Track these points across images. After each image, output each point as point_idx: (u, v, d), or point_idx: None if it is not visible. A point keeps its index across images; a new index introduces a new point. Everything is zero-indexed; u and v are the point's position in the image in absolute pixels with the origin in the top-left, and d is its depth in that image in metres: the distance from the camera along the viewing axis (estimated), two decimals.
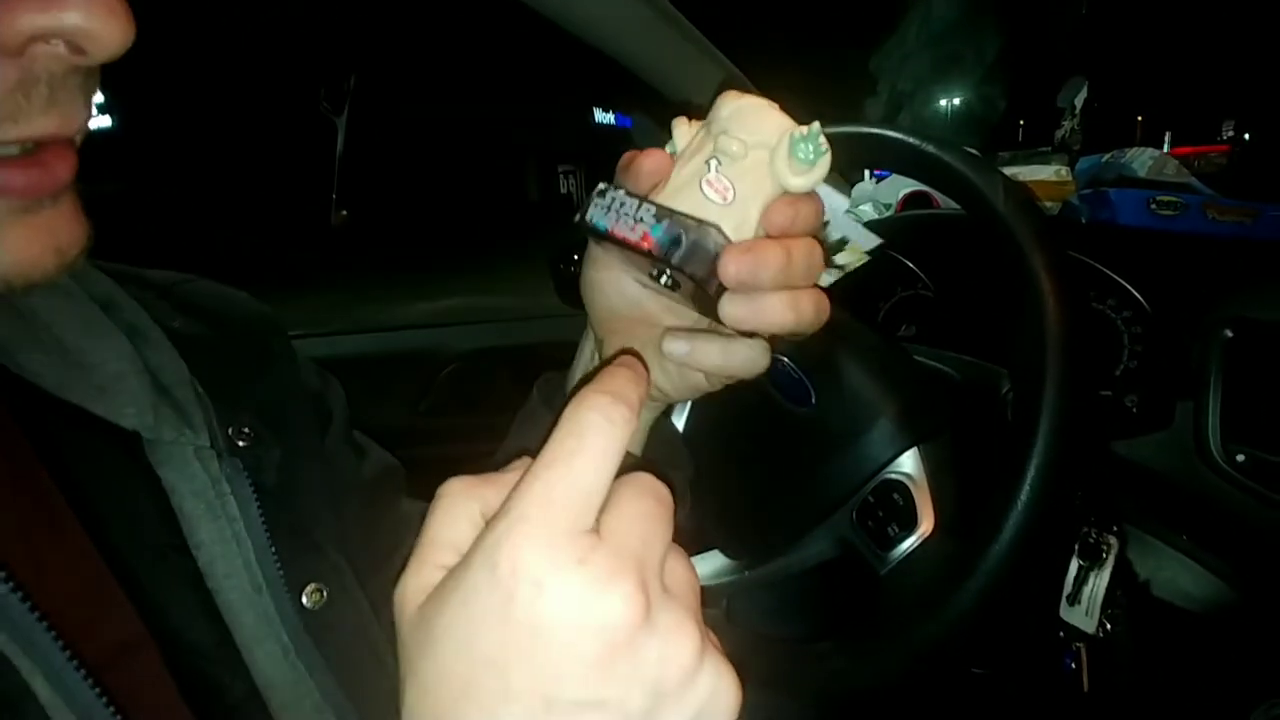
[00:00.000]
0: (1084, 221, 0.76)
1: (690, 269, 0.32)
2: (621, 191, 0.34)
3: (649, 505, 0.24)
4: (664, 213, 0.32)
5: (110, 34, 0.25)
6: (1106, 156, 0.83)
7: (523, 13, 0.83)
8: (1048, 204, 0.82)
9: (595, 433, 0.23)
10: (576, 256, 1.40)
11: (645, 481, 0.24)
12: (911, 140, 0.58)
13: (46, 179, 0.27)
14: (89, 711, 0.29)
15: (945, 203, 0.99)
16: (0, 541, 0.29)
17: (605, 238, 0.33)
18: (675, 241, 0.32)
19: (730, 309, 0.34)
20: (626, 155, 0.36)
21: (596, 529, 0.23)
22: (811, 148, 0.33)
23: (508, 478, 0.25)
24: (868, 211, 1.14)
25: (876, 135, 0.61)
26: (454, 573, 0.22)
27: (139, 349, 0.37)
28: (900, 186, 1.13)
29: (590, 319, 0.43)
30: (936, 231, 0.89)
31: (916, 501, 0.56)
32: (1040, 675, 0.77)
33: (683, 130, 0.36)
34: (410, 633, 0.22)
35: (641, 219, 0.33)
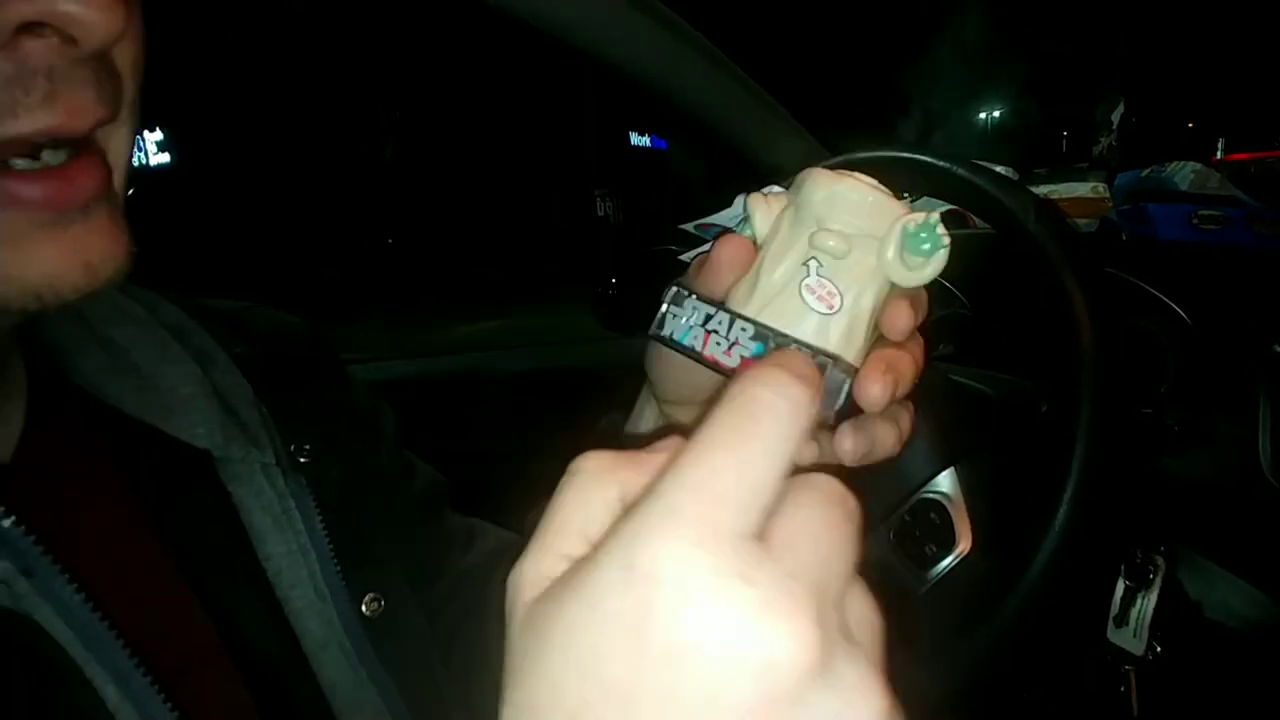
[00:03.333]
0: (1123, 237, 0.76)
1: None
2: (697, 300, 0.29)
3: (833, 515, 0.19)
4: (764, 332, 0.27)
5: (98, 19, 0.24)
6: (1146, 171, 0.83)
7: (557, 43, 0.85)
8: (1084, 221, 0.81)
9: (770, 414, 0.18)
10: (614, 280, 1.43)
11: (827, 485, 0.19)
12: (942, 164, 0.58)
13: (68, 191, 0.26)
14: (160, 717, 0.30)
15: (982, 221, 0.99)
16: (83, 555, 0.30)
17: (690, 355, 0.29)
18: None
19: (849, 443, 0.29)
20: (700, 260, 0.31)
21: (763, 537, 0.18)
22: (928, 238, 0.28)
23: (655, 458, 0.21)
24: None
25: (907, 159, 0.62)
26: (581, 566, 0.18)
27: (208, 373, 0.39)
28: (934, 206, 1.13)
29: (656, 391, 0.39)
30: (973, 251, 0.89)
31: (954, 520, 0.56)
32: (1089, 698, 0.75)
33: (762, 213, 0.31)
34: (520, 631, 0.19)
35: (737, 340, 0.28)
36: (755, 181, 1.10)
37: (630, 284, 1.36)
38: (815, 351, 0.27)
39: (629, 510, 0.18)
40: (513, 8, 0.79)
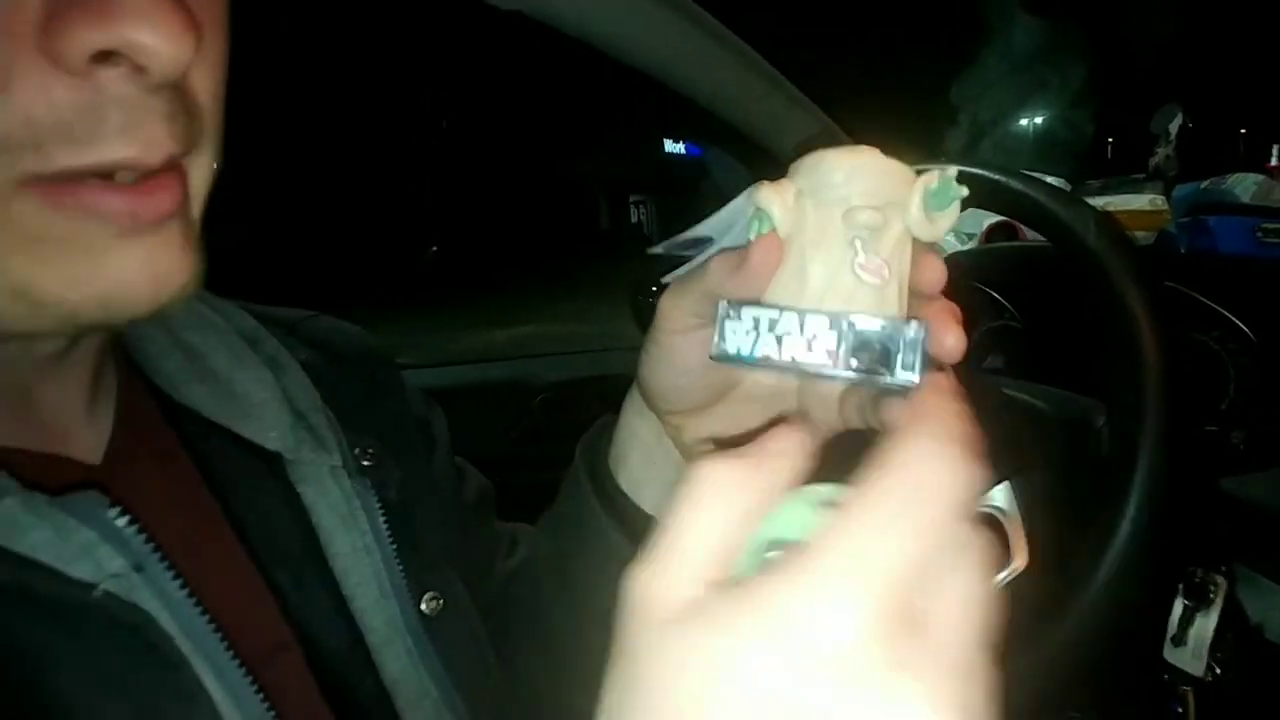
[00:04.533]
0: (1182, 251, 0.75)
1: (901, 376, 0.26)
2: (755, 307, 0.28)
3: (984, 591, 0.18)
4: (838, 318, 0.27)
5: (169, 48, 0.24)
6: (1205, 183, 0.81)
7: (592, 50, 0.86)
8: (1141, 234, 0.80)
9: (938, 495, 0.18)
10: (655, 288, 1.44)
11: (979, 554, 0.18)
12: (998, 177, 0.58)
13: (146, 206, 0.27)
14: (249, 707, 0.31)
15: (1032, 233, 0.98)
16: (170, 550, 0.31)
17: (765, 365, 0.28)
18: (866, 347, 0.27)
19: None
20: (723, 260, 0.31)
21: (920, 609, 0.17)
22: (948, 192, 0.30)
23: (778, 463, 0.20)
24: (950, 241, 1.14)
25: (961, 173, 0.62)
26: (729, 609, 0.17)
27: (279, 379, 0.41)
28: (983, 217, 1.12)
29: (658, 404, 0.39)
30: (1025, 263, 0.88)
31: (1010, 536, 0.56)
32: (1145, 719, 0.74)
33: (781, 206, 0.30)
34: (648, 654, 0.18)
35: (815, 334, 0.27)
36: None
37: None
38: (883, 319, 0.27)
39: (790, 551, 0.18)
40: (537, 11, 0.80)
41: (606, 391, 1.23)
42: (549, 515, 0.50)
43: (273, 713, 0.32)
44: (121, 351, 0.38)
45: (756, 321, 0.28)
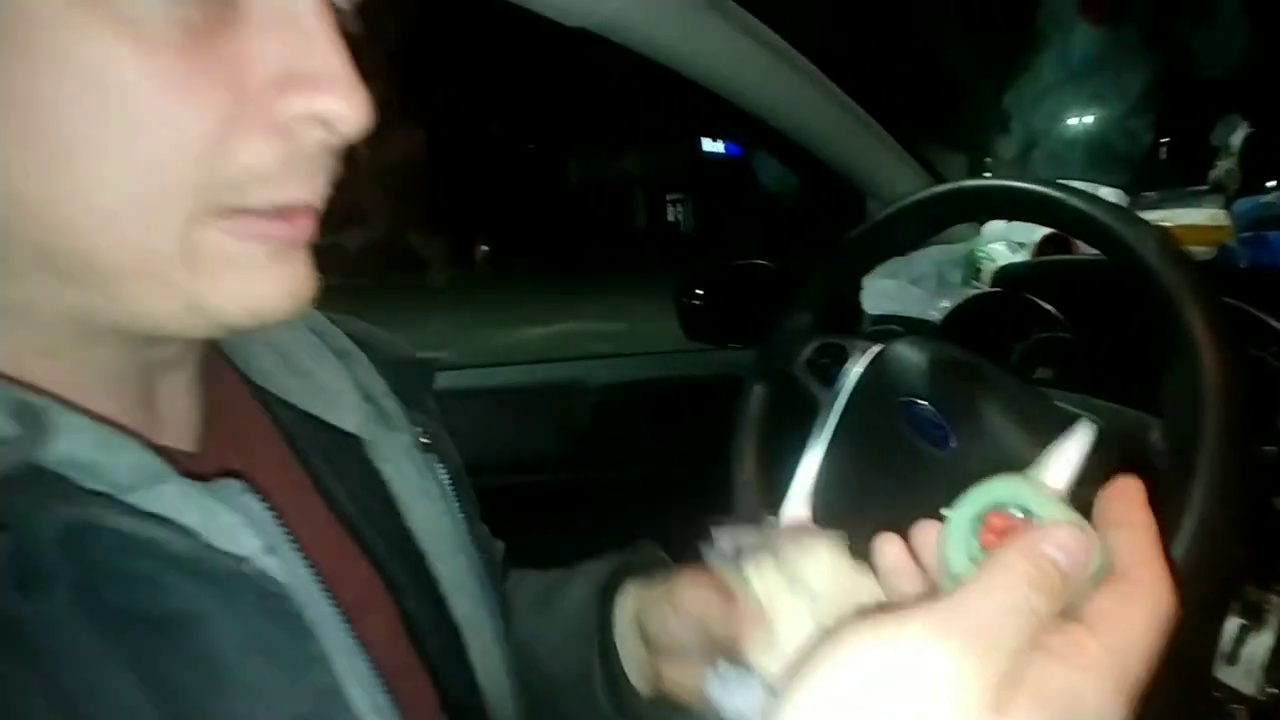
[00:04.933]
0: (1242, 266, 0.74)
1: None
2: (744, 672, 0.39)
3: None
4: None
5: (358, 118, 0.30)
6: (1269, 197, 0.80)
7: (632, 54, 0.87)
8: (1201, 249, 0.79)
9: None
10: (700, 291, 1.45)
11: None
12: (1055, 194, 0.59)
13: (297, 233, 0.32)
14: (359, 667, 0.35)
15: (1086, 246, 0.98)
16: (276, 508, 0.35)
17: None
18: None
19: None
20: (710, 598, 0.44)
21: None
22: None
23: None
24: (1000, 250, 1.13)
25: (1018, 189, 0.62)
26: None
27: (348, 368, 0.47)
28: (1035, 227, 1.11)
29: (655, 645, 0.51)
30: (1078, 277, 0.88)
31: None
32: None
33: (759, 584, 0.42)
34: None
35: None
36: (851, 202, 1.10)
37: (716, 295, 1.38)
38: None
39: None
40: (618, 35, 0.83)
41: (657, 394, 1.26)
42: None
43: (372, 663, 0.36)
44: (214, 348, 0.43)
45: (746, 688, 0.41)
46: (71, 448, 0.29)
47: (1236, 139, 0.85)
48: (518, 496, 0.59)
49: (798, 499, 0.79)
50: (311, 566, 0.36)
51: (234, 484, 0.33)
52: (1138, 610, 0.26)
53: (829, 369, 0.79)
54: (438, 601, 0.46)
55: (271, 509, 0.34)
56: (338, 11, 0.31)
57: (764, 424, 0.84)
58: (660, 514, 1.28)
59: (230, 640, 0.30)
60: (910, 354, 0.71)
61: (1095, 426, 0.30)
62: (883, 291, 1.10)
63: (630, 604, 0.53)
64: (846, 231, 1.12)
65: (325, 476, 0.44)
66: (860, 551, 0.75)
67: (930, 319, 1.05)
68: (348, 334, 0.50)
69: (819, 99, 0.95)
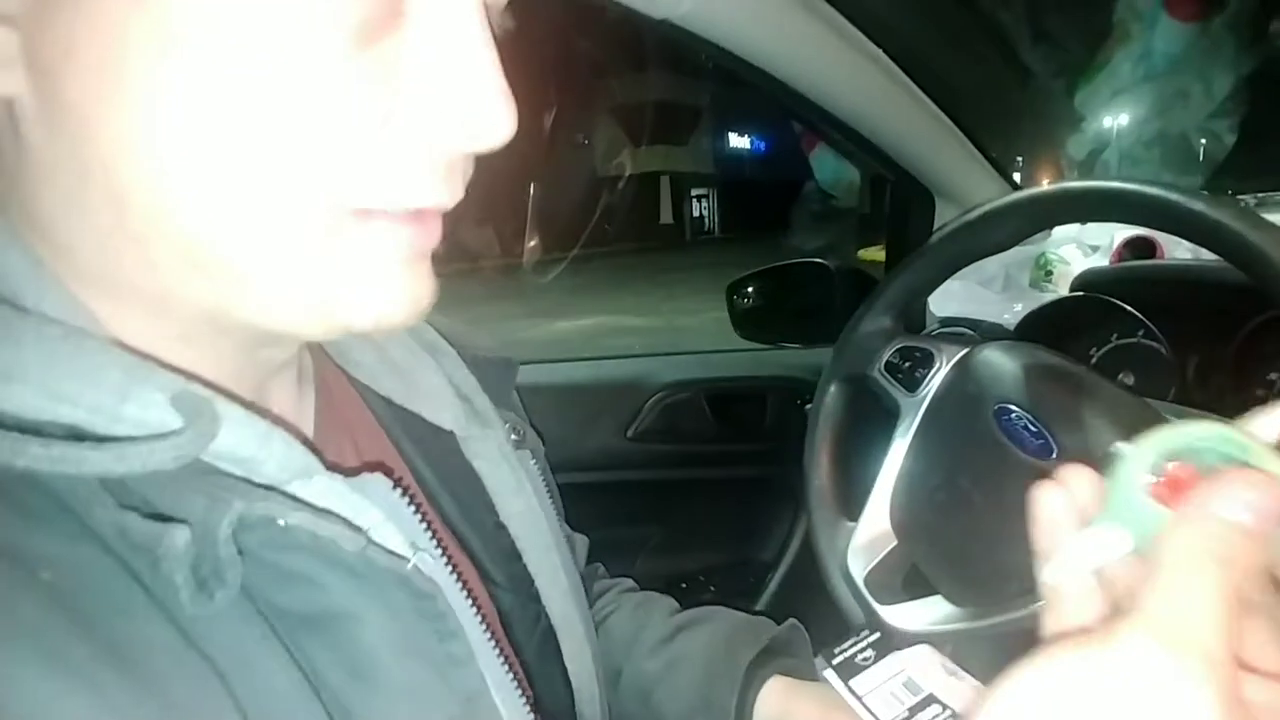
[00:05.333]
0: None
1: None
2: None
3: None
4: None
5: (505, 130, 0.29)
6: None
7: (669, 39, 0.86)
8: None
9: None
10: (751, 290, 1.44)
11: None
12: (1175, 197, 0.57)
13: (428, 237, 0.31)
14: (491, 657, 0.35)
15: (1170, 251, 0.95)
16: (417, 503, 0.35)
17: None
18: None
19: None
20: None
21: None
22: None
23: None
24: (1072, 253, 1.11)
25: (1131, 192, 0.60)
26: None
27: (440, 364, 0.46)
28: (1112, 229, 1.08)
29: None
30: (1168, 282, 0.86)
31: None
32: None
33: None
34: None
35: None
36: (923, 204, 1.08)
37: (768, 294, 1.37)
38: None
39: None
40: (699, 26, 0.81)
41: (719, 394, 1.25)
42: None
43: (507, 667, 0.36)
44: (324, 348, 0.43)
45: None
46: (234, 441, 0.28)
47: None
48: (576, 494, 0.58)
49: (877, 506, 0.77)
50: (450, 564, 0.35)
51: (379, 479, 0.33)
52: None
53: (912, 372, 0.77)
54: (533, 599, 0.46)
55: (414, 505, 0.34)
56: (488, 8, 0.30)
57: (840, 428, 0.83)
58: (721, 515, 1.28)
59: (385, 641, 0.29)
60: (1003, 359, 0.69)
61: None
62: (951, 293, 1.08)
63: (774, 702, 0.51)
64: (917, 232, 1.11)
65: (425, 473, 0.43)
66: (943, 561, 0.74)
67: (1003, 322, 1.02)
68: (436, 329, 0.49)
69: (893, 90, 0.93)
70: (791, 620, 0.55)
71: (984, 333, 1.01)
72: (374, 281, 0.29)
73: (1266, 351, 0.74)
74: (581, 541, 0.63)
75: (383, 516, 0.31)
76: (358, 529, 0.29)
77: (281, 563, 0.28)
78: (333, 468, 0.31)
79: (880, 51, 0.88)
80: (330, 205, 0.27)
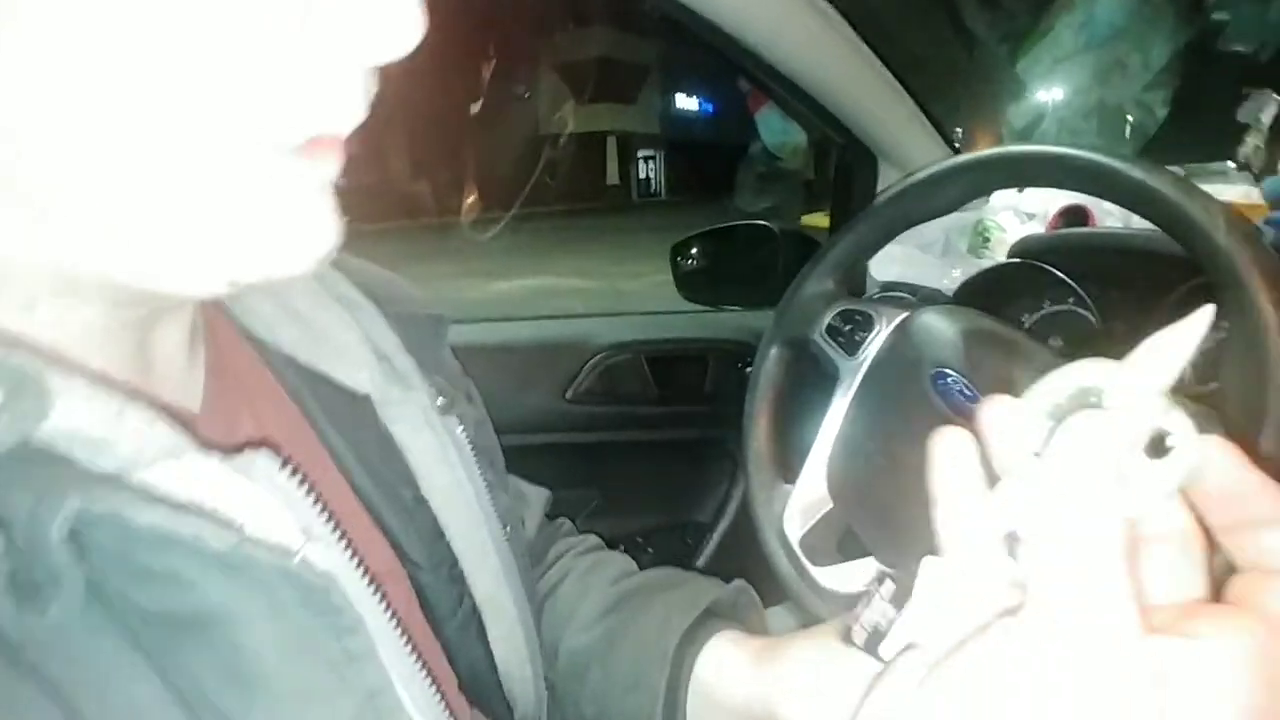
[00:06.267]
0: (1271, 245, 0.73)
1: None
2: None
3: None
4: None
5: (408, 35, 0.25)
6: None
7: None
8: None
9: None
10: (695, 251, 1.42)
11: None
12: (1118, 165, 0.57)
13: (326, 169, 0.27)
14: (397, 648, 0.32)
15: (1102, 220, 0.97)
16: (310, 484, 0.31)
17: None
18: None
19: None
20: None
21: None
22: None
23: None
24: (1010, 220, 1.12)
25: (1074, 157, 0.60)
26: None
27: (356, 320, 0.41)
28: (1048, 198, 1.10)
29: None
30: (1102, 250, 0.87)
31: None
32: None
33: None
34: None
35: None
36: (863, 162, 1.08)
37: (712, 256, 1.35)
38: None
39: None
40: None
41: (659, 356, 1.23)
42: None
43: (399, 630, 0.32)
44: (212, 302, 0.37)
45: None
46: (74, 419, 0.23)
47: (1267, 116, 0.84)
48: (514, 456, 0.55)
49: (815, 469, 0.77)
50: (350, 550, 0.32)
51: (265, 457, 0.29)
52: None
53: (852, 335, 0.77)
54: (456, 580, 0.42)
55: (306, 484, 0.30)
56: None
57: (780, 391, 0.82)
58: (660, 478, 1.27)
59: (270, 641, 0.26)
60: (941, 324, 0.69)
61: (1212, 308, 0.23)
62: (892, 258, 1.08)
63: (716, 661, 0.46)
64: (861, 195, 1.10)
65: (336, 441, 0.39)
66: (876, 524, 0.75)
67: (941, 288, 1.03)
68: (355, 279, 0.44)
69: (842, 52, 0.91)
70: (739, 582, 0.52)
71: (923, 297, 1.01)
72: (268, 223, 0.26)
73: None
74: (538, 496, 0.59)
75: (271, 501, 0.27)
76: (225, 521, 0.25)
77: (140, 561, 0.24)
78: (212, 446, 0.27)
79: (831, 8, 0.86)
80: (214, 136, 0.23)
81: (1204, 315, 0.22)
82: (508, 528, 0.46)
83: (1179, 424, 0.21)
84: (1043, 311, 0.95)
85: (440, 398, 0.44)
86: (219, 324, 0.37)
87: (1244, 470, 0.22)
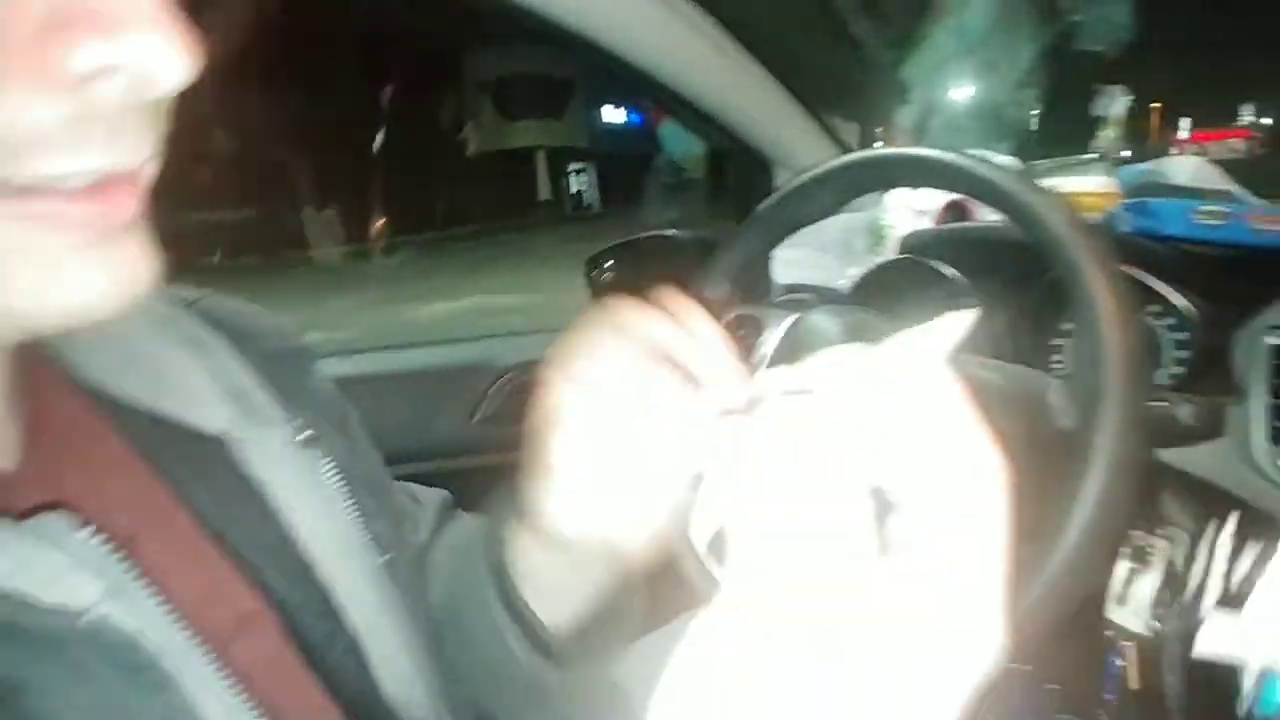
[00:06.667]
0: (1127, 231, 0.78)
1: None
2: None
3: None
4: None
5: (172, 70, 0.24)
6: (1151, 165, 0.85)
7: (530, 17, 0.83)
8: (1090, 215, 0.83)
9: None
10: (610, 263, 1.43)
11: None
12: (964, 163, 0.60)
13: (109, 213, 0.26)
14: (210, 684, 0.31)
15: (982, 214, 1.01)
16: (119, 541, 0.30)
17: None
18: None
19: None
20: None
21: None
22: None
23: None
24: (905, 218, 1.16)
25: (930, 158, 0.63)
26: None
27: (205, 357, 0.40)
28: (937, 194, 1.14)
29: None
30: (979, 243, 0.91)
31: None
32: (1087, 672, 0.79)
33: None
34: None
35: None
36: (760, 171, 1.10)
37: (626, 267, 1.36)
38: None
39: None
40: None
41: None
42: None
43: (238, 688, 0.32)
44: (36, 345, 0.35)
45: None
46: None
47: (1118, 109, 0.90)
48: (422, 484, 0.54)
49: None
50: (167, 602, 0.31)
51: (58, 518, 0.28)
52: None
53: (745, 340, 0.78)
54: (330, 613, 0.41)
55: (111, 541, 0.29)
56: None
57: None
58: None
59: (72, 708, 0.25)
60: (824, 323, 0.72)
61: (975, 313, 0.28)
62: (792, 261, 1.11)
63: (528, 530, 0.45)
64: (758, 201, 1.13)
65: (187, 486, 0.38)
66: None
67: (839, 287, 1.06)
68: (210, 316, 0.43)
69: (726, 63, 0.94)
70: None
71: (822, 298, 1.04)
72: (44, 269, 0.25)
73: (1060, 303, 0.80)
74: (433, 498, 0.58)
75: (67, 564, 0.26)
76: (7, 592, 0.24)
77: None
78: (20, 506, 0.26)
79: (706, 21, 0.88)
80: None
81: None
82: (387, 555, 0.45)
83: None
84: (932, 303, 0.99)
85: (305, 431, 0.43)
86: (42, 374, 0.35)
87: None
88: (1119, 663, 0.74)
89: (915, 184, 0.67)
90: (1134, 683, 0.72)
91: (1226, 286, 0.75)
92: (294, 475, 0.41)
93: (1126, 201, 0.79)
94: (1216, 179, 0.82)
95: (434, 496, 0.59)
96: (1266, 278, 0.74)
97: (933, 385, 0.25)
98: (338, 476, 0.43)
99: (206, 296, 0.46)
